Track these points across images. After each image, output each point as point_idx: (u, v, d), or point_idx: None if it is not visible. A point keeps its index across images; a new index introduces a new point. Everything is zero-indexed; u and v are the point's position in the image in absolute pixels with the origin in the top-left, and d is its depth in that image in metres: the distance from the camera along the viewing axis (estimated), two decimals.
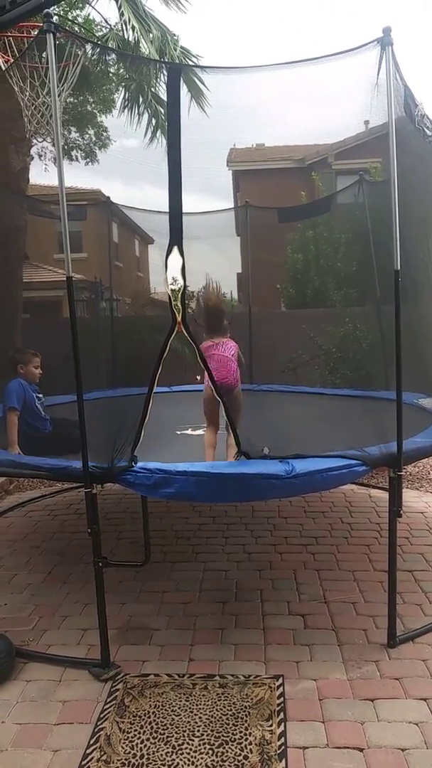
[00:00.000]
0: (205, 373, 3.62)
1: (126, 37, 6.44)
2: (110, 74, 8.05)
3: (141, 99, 7.54)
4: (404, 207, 2.87)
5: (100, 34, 6.94)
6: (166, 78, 2.97)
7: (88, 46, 4.52)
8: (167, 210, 2.74)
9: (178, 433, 4.42)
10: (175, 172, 2.69)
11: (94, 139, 9.42)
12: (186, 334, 2.81)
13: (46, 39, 2.56)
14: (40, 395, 4.36)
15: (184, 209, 2.75)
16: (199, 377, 4.28)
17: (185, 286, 2.77)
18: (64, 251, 2.64)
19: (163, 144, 2.82)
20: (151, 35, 6.65)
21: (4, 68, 3.84)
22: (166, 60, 6.81)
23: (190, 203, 3.12)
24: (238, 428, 3.06)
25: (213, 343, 3.93)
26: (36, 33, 3.79)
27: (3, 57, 3.97)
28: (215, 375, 3.82)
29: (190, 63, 7.50)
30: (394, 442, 2.90)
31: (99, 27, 7.61)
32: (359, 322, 7.41)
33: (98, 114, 8.90)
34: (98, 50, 6.43)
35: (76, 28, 6.12)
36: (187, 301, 2.88)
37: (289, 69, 2.97)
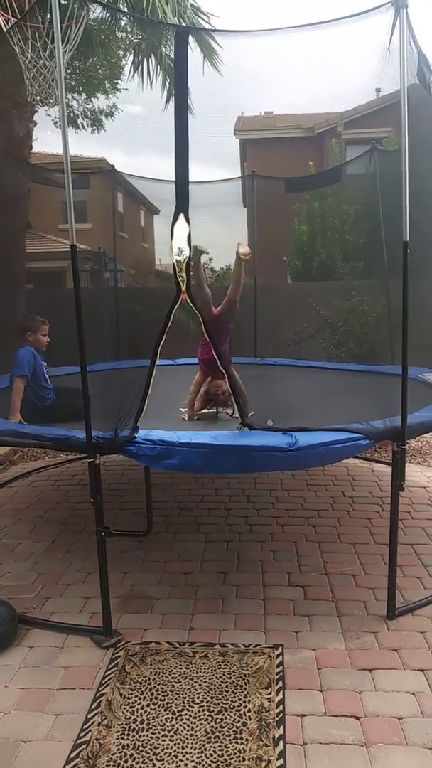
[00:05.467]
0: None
1: None
2: (117, 36, 7.81)
3: (153, 59, 7.32)
4: (415, 177, 2.79)
5: None
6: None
7: (95, 6, 4.36)
8: (173, 178, 2.68)
9: (182, 409, 4.40)
10: (181, 138, 2.62)
11: (100, 107, 9.13)
12: (191, 305, 2.78)
13: None
14: (46, 364, 4.34)
15: (191, 178, 2.69)
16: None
17: (191, 256, 2.73)
18: (68, 220, 2.59)
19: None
20: None
21: (5, 28, 3.71)
22: (179, 21, 6.60)
23: (196, 172, 3.05)
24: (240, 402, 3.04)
25: None
26: None
27: (3, 16, 3.83)
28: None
29: (201, 21, 7.28)
30: (398, 416, 2.89)
31: None
32: (366, 295, 7.32)
33: (105, 80, 8.62)
34: (106, 12, 6.22)
35: None
36: (191, 272, 2.83)
37: (298, 33, 2.86)
